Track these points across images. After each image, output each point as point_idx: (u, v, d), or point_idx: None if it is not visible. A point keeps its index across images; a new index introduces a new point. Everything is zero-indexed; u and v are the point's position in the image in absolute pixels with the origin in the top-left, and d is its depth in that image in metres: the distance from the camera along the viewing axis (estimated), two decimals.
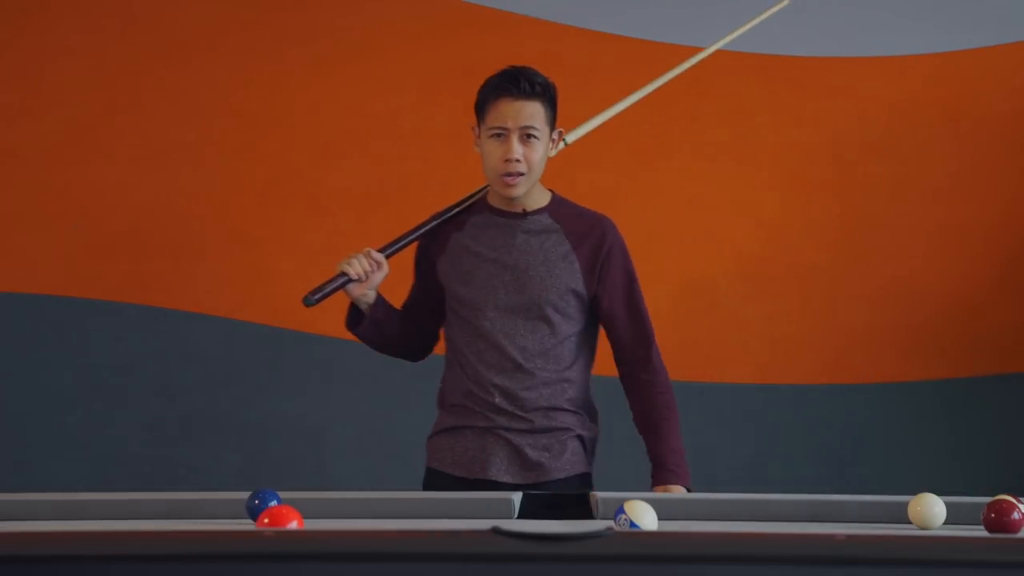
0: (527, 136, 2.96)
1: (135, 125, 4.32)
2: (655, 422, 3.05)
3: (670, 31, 4.38)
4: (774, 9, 3.59)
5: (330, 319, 4.30)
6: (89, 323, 4.25)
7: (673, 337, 4.32)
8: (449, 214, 3.06)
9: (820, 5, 4.42)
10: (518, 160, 2.94)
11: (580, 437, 3.02)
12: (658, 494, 2.79)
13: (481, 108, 2.99)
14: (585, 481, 3.01)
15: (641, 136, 4.38)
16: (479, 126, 3.00)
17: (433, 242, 3.07)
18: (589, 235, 3.05)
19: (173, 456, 4.22)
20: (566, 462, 2.99)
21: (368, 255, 3.02)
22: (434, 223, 3.06)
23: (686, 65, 3.43)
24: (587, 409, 3.06)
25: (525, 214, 3.04)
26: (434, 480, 3.01)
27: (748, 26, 3.50)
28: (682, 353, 4.35)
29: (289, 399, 4.26)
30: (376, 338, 3.12)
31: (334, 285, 3.03)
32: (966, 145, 4.40)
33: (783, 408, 4.33)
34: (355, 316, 3.11)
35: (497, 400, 2.97)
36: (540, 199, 3.06)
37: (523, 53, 4.33)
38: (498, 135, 2.95)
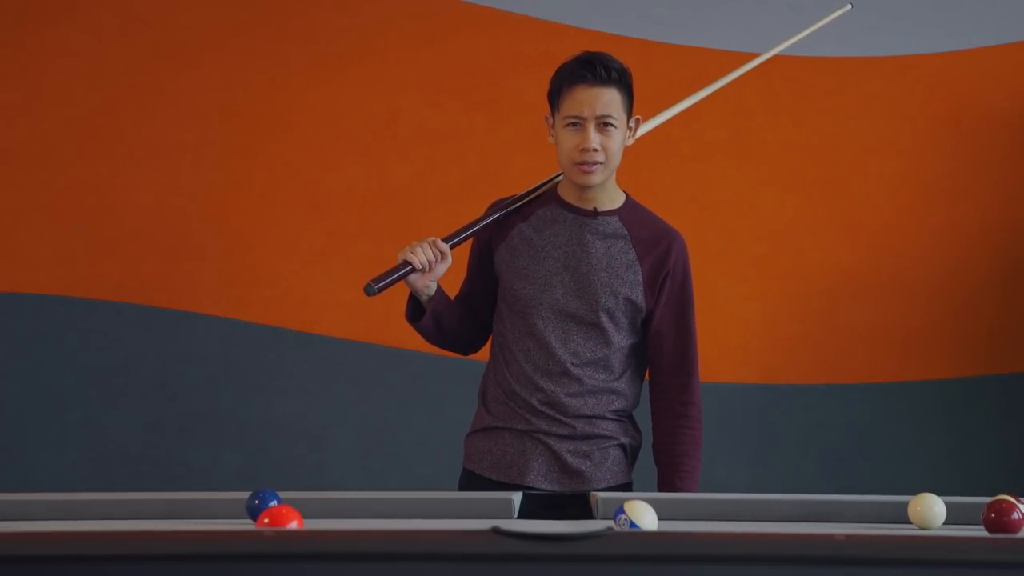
0: (604, 125, 2.87)
1: (135, 125, 4.32)
2: (677, 458, 2.97)
3: (670, 31, 4.38)
4: (836, 14, 3.52)
5: (330, 319, 4.31)
6: (89, 323, 4.25)
7: None
8: (517, 204, 2.95)
9: (820, 5, 4.41)
10: (595, 149, 2.85)
11: (622, 446, 2.95)
12: (658, 494, 2.78)
13: (555, 96, 2.89)
14: (625, 491, 2.91)
15: (641, 136, 4.37)
16: (553, 115, 2.90)
17: (495, 230, 2.96)
18: (656, 247, 2.96)
19: (173, 456, 4.22)
20: (607, 471, 2.92)
21: (434, 244, 2.85)
22: (500, 214, 2.94)
23: (751, 65, 3.36)
24: (631, 419, 2.98)
25: (596, 214, 2.95)
26: (472, 483, 2.92)
27: (808, 31, 3.45)
28: None
29: (289, 399, 4.26)
30: (434, 331, 2.97)
31: (398, 274, 2.84)
32: (966, 145, 4.40)
33: (783, 408, 4.33)
34: (415, 308, 2.95)
35: (536, 403, 2.89)
36: (614, 199, 2.97)
37: (523, 53, 4.35)
38: (574, 124, 2.86)
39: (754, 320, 4.38)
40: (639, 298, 2.93)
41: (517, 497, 2.34)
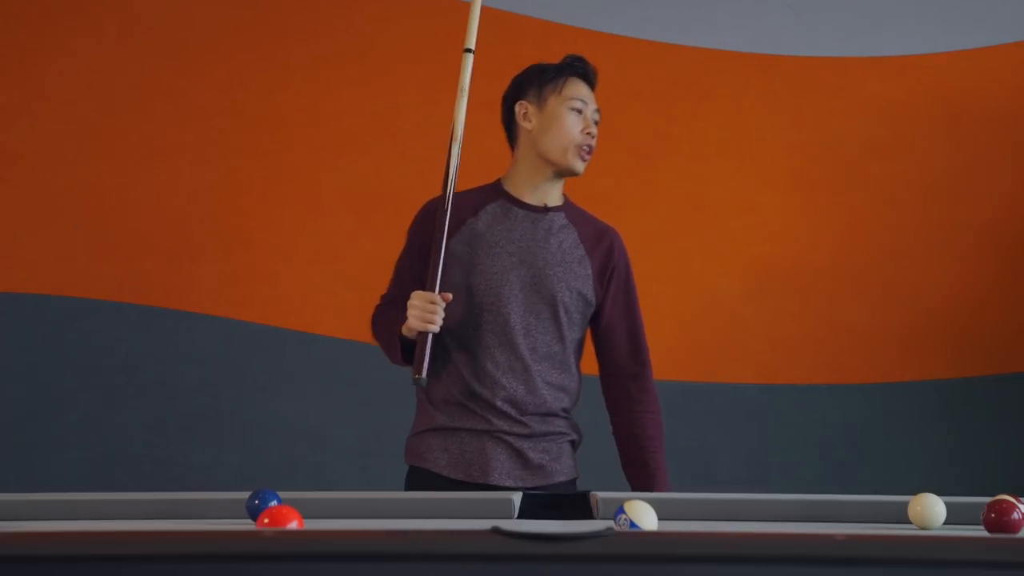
0: (595, 122, 2.99)
1: (135, 125, 4.32)
2: (646, 442, 2.98)
3: (670, 31, 4.38)
4: None
5: (330, 319, 4.31)
6: (89, 323, 4.25)
7: (673, 337, 4.32)
8: (447, 205, 2.88)
9: (820, 5, 4.42)
10: (594, 136, 2.96)
11: (572, 442, 2.99)
12: (658, 494, 2.78)
13: (553, 80, 2.97)
14: (573, 487, 2.95)
15: (641, 136, 4.38)
16: (541, 98, 2.96)
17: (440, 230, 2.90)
18: (601, 242, 3.01)
19: (173, 456, 4.22)
20: (564, 465, 2.95)
21: (434, 302, 2.79)
22: (444, 232, 2.86)
23: None
24: (572, 416, 3.01)
25: (547, 209, 2.98)
26: (425, 481, 2.88)
27: None
28: (682, 353, 4.35)
29: (289, 399, 4.26)
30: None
31: (428, 347, 2.79)
32: (966, 145, 4.40)
33: (783, 408, 4.33)
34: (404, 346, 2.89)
35: (499, 403, 2.88)
36: (559, 197, 3.02)
37: (523, 53, 4.34)
38: (577, 110, 2.94)
39: (754, 320, 4.38)
40: (589, 292, 2.96)
41: (517, 497, 2.34)
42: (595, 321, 3.00)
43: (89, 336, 4.25)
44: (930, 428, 4.33)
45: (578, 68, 2.98)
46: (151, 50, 4.34)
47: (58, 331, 4.25)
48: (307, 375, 4.29)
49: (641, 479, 2.96)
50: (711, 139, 4.40)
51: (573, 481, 2.97)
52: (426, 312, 2.76)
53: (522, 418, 2.90)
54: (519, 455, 2.90)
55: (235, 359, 4.26)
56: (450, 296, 2.81)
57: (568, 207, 3.03)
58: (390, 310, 2.95)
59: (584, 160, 2.95)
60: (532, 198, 2.98)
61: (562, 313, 2.92)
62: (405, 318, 2.82)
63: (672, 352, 4.33)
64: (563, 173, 2.97)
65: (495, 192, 2.99)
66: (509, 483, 2.87)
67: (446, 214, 2.86)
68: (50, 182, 4.30)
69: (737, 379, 4.37)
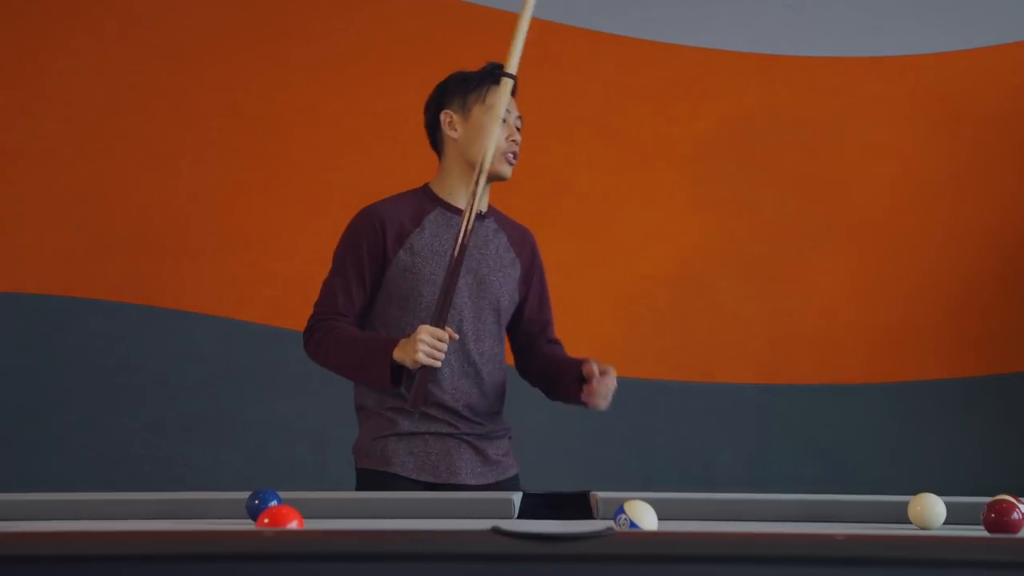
0: (517, 128, 3.04)
1: (135, 125, 4.32)
2: (563, 357, 3.10)
3: (670, 31, 4.38)
4: None
5: None
6: (89, 323, 4.25)
7: (673, 337, 4.32)
8: (463, 235, 2.87)
9: (820, 5, 4.42)
10: (518, 142, 3.01)
11: (510, 437, 3.10)
12: (658, 494, 2.77)
13: (475, 89, 3.02)
14: (519, 480, 3.07)
15: (641, 136, 4.38)
16: (465, 108, 3.01)
17: (390, 239, 2.97)
18: (524, 245, 3.12)
19: (173, 456, 4.22)
20: (512, 459, 3.07)
21: (443, 339, 2.82)
22: (456, 270, 2.85)
23: None
24: None
25: (482, 216, 3.04)
26: (388, 485, 2.90)
27: None
28: (682, 353, 4.35)
29: (289, 399, 4.26)
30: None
31: (429, 380, 2.86)
32: (966, 145, 4.40)
33: (783, 408, 4.33)
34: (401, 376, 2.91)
35: (461, 408, 2.96)
36: (487, 202, 3.08)
37: (523, 53, 4.34)
38: (502, 120, 2.97)
39: (754, 320, 4.38)
40: (516, 294, 3.08)
41: (517, 497, 2.34)
42: (515, 317, 3.12)
43: (89, 336, 4.25)
44: (930, 428, 4.33)
45: (499, 75, 2.99)
46: (151, 50, 4.34)
47: (58, 331, 4.25)
48: (307, 375, 4.28)
49: (557, 369, 3.05)
50: (711, 139, 4.39)
51: (517, 475, 3.07)
52: (435, 348, 2.80)
53: (477, 419, 2.99)
54: (480, 453, 2.99)
55: (235, 359, 4.26)
56: (456, 335, 2.87)
57: (493, 211, 3.10)
58: (347, 328, 2.94)
59: (511, 164, 3.00)
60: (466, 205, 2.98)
61: (502, 316, 3.05)
62: (385, 338, 2.88)
63: (672, 352, 4.33)
64: (492, 179, 3.00)
65: (430, 200, 3.04)
66: (474, 481, 2.96)
67: (464, 249, 2.85)
68: (50, 182, 4.29)
69: (737, 379, 4.37)
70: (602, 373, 2.91)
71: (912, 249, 4.39)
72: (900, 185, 4.41)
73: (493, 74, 3.01)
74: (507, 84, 2.93)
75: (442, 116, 3.04)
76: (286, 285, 4.30)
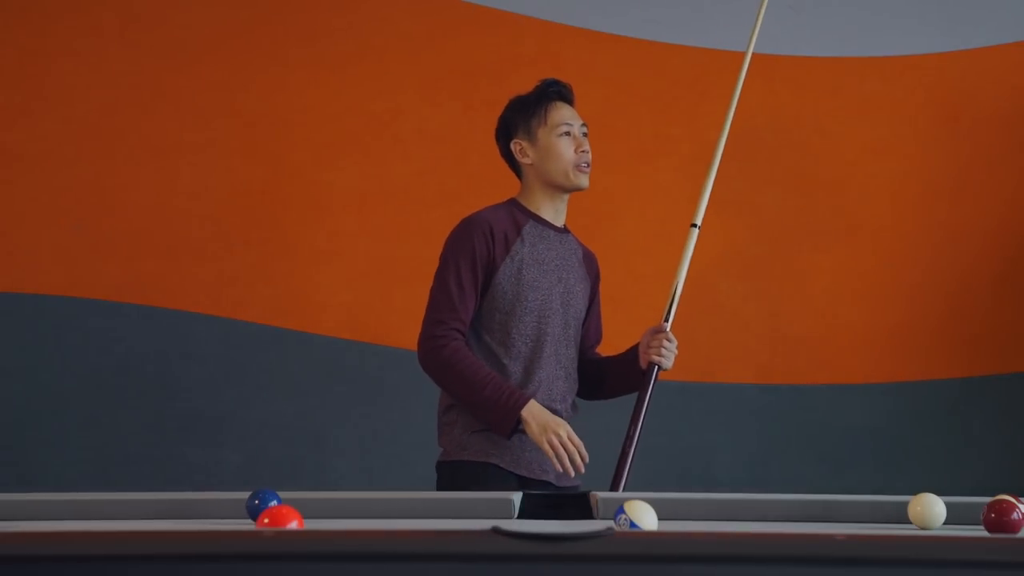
0: (584, 135, 3.17)
1: (135, 125, 4.32)
2: (609, 356, 3.28)
3: (670, 31, 4.38)
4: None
5: (330, 319, 4.31)
6: (89, 323, 4.25)
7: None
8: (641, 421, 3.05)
9: (820, 5, 4.42)
10: (588, 151, 3.14)
11: None
12: (658, 494, 2.77)
13: (535, 113, 3.14)
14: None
15: (641, 136, 4.38)
16: (531, 134, 3.13)
17: (498, 247, 3.08)
18: (591, 265, 3.27)
19: (173, 456, 4.22)
20: None
21: (573, 442, 2.99)
22: (640, 426, 3.05)
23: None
24: None
25: (567, 230, 3.20)
26: (492, 476, 2.99)
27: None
28: (682, 353, 4.34)
29: (289, 399, 4.26)
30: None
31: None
32: (966, 145, 4.40)
33: (783, 408, 4.33)
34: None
35: (560, 409, 3.07)
36: (565, 212, 3.23)
37: (523, 53, 4.35)
38: (566, 133, 3.12)
39: (754, 320, 4.38)
40: (585, 309, 3.23)
41: (517, 497, 2.34)
42: None
43: (89, 336, 4.25)
44: (930, 428, 4.33)
45: (553, 92, 3.17)
46: (151, 50, 4.34)
47: (58, 331, 4.25)
48: (307, 375, 4.29)
49: (615, 365, 3.22)
50: (711, 139, 4.39)
51: (580, 483, 3.12)
52: (561, 447, 2.95)
53: (566, 420, 3.08)
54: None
55: (235, 359, 4.26)
56: (583, 467, 3.01)
57: (568, 229, 3.25)
58: (474, 359, 3.02)
59: (586, 173, 3.14)
60: (554, 219, 3.18)
61: (580, 326, 3.19)
62: (513, 390, 2.98)
63: None
64: (572, 191, 3.16)
65: (522, 212, 3.15)
66: (557, 482, 3.05)
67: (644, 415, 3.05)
68: (50, 182, 4.29)
69: (737, 379, 4.37)
70: (659, 330, 3.12)
71: (912, 249, 4.39)
72: (900, 185, 4.41)
73: (548, 93, 3.16)
74: (694, 234, 3.27)
75: (512, 146, 3.16)
76: (286, 285, 4.30)
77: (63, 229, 4.29)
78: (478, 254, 3.06)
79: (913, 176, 4.40)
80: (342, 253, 4.32)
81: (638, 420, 3.03)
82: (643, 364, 3.13)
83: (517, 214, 3.13)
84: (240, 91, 4.34)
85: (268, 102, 4.34)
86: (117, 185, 4.30)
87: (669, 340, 3.12)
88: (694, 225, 3.33)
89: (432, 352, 3.02)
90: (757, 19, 3.33)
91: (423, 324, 3.06)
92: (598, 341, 3.33)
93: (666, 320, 3.16)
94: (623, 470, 2.99)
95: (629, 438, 3.01)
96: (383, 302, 4.29)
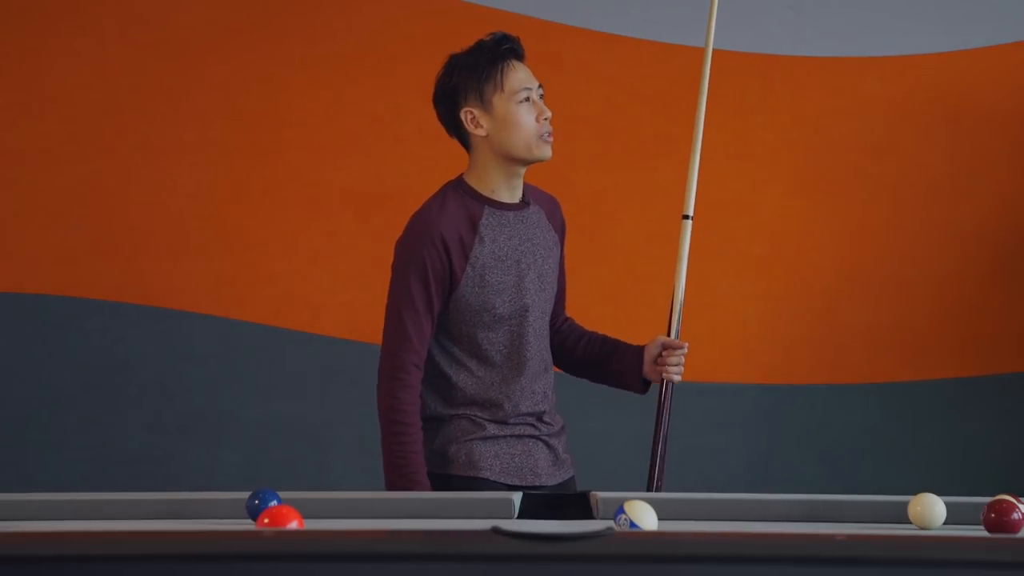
0: (541, 96, 2.86)
1: (135, 125, 4.32)
2: (602, 337, 3.02)
3: (670, 31, 4.38)
4: None
5: (330, 319, 4.31)
6: (89, 323, 4.25)
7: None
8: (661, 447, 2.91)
9: (820, 5, 4.42)
10: (549, 117, 2.84)
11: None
12: (658, 494, 2.77)
13: (488, 76, 2.81)
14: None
15: (641, 136, 4.38)
16: (484, 101, 2.83)
17: (455, 257, 2.81)
18: (555, 216, 2.97)
19: (173, 456, 4.22)
20: (570, 456, 2.98)
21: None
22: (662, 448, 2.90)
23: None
24: None
25: (527, 203, 2.90)
26: (484, 488, 2.80)
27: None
28: None
29: (289, 399, 4.26)
30: None
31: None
32: (966, 145, 4.40)
33: (783, 408, 4.33)
34: None
35: (541, 409, 2.89)
36: (521, 184, 2.92)
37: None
38: (525, 99, 2.82)
39: (754, 320, 4.38)
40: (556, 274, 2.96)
41: (517, 497, 2.34)
42: None
43: (89, 336, 4.25)
44: (930, 428, 4.32)
45: (507, 51, 2.83)
46: (151, 50, 4.33)
47: (58, 331, 4.25)
48: (307, 375, 4.29)
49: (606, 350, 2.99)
50: (711, 139, 4.38)
51: (574, 476, 2.99)
52: None
53: (551, 419, 2.93)
54: (553, 451, 2.91)
55: (235, 359, 4.26)
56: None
57: (527, 189, 2.93)
58: (417, 440, 2.80)
59: (549, 144, 2.84)
60: (511, 196, 2.88)
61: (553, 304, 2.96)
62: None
63: None
64: (532, 163, 2.87)
65: (474, 199, 2.86)
66: (549, 481, 2.88)
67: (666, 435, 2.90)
68: (50, 182, 4.29)
69: (738, 379, 4.37)
70: (672, 346, 2.92)
71: (912, 249, 4.38)
72: (900, 185, 4.40)
73: (501, 52, 2.83)
74: (687, 225, 2.96)
75: (463, 116, 2.85)
76: (286, 285, 4.30)
77: (63, 229, 4.29)
78: (431, 271, 2.80)
79: (913, 176, 4.40)
80: (342, 253, 4.31)
81: (659, 442, 2.88)
82: (651, 378, 2.93)
83: (470, 203, 2.83)
84: (240, 91, 4.34)
85: (268, 102, 4.34)
86: (117, 185, 4.30)
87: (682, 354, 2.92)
88: (686, 216, 3.05)
89: (387, 398, 2.84)
90: (711, 16, 3.08)
91: (381, 356, 2.86)
92: (564, 304, 3.04)
93: (672, 332, 2.97)
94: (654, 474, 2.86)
95: (655, 453, 2.89)
96: (383, 302, 4.28)
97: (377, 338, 4.35)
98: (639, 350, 2.98)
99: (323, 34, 4.36)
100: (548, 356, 2.93)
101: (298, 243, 4.31)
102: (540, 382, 2.89)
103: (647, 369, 2.95)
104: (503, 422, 2.86)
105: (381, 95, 4.35)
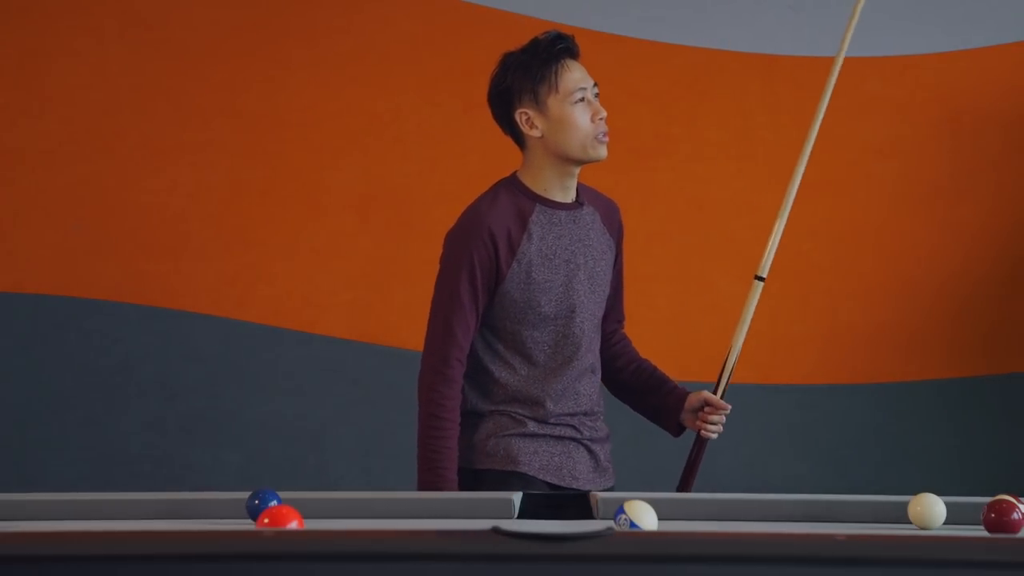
0: (597, 95, 2.85)
1: (135, 125, 4.32)
2: (651, 369, 3.02)
3: (670, 31, 4.38)
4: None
5: (330, 319, 4.31)
6: (89, 323, 4.25)
7: (673, 337, 4.32)
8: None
9: (820, 5, 4.41)
10: (604, 116, 2.84)
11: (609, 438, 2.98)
12: (658, 494, 2.77)
13: (543, 77, 2.79)
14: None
15: (641, 136, 4.38)
16: (540, 103, 2.80)
17: (503, 252, 2.79)
18: (613, 220, 2.95)
19: (173, 456, 4.22)
20: (612, 466, 2.95)
21: None
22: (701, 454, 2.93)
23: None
24: None
25: (581, 204, 2.88)
26: (520, 485, 2.73)
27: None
28: (682, 353, 4.35)
29: (289, 399, 4.26)
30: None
31: None
32: (966, 145, 4.40)
33: (783, 408, 4.33)
34: None
35: (582, 412, 2.85)
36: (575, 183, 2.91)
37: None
38: (580, 99, 2.81)
39: (754, 320, 4.37)
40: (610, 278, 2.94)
41: (517, 497, 2.34)
42: None
43: (89, 336, 4.25)
44: (930, 428, 4.32)
45: (562, 51, 2.81)
46: (151, 50, 4.34)
47: (58, 331, 4.25)
48: (307, 375, 4.28)
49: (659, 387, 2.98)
50: (711, 139, 4.39)
51: (614, 487, 2.95)
52: None
53: (594, 422, 2.90)
54: (594, 457, 2.88)
55: (235, 359, 4.26)
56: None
57: (582, 190, 2.92)
58: (453, 436, 2.79)
59: (604, 144, 2.83)
60: (564, 196, 2.86)
61: (603, 307, 2.92)
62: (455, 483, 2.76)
63: (672, 352, 4.32)
64: (587, 163, 2.86)
65: (526, 196, 2.84)
66: (588, 487, 2.82)
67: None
68: (50, 182, 4.29)
69: (737, 379, 4.36)
70: (718, 407, 2.93)
71: (912, 249, 4.38)
72: (900, 185, 4.40)
73: (555, 52, 2.80)
74: (758, 287, 2.98)
75: (518, 116, 2.81)
76: (286, 285, 4.30)
77: (63, 229, 4.29)
78: (479, 265, 2.77)
79: (913, 176, 4.40)
80: (342, 253, 4.31)
81: (689, 486, 2.91)
82: (687, 425, 2.94)
83: (522, 200, 2.81)
84: (240, 91, 4.34)
85: (268, 102, 4.34)
86: (117, 185, 4.30)
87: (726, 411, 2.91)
88: (759, 278, 3.05)
89: (429, 392, 2.81)
90: (852, 20, 3.03)
91: (424, 352, 2.84)
92: (622, 318, 3.02)
93: (720, 391, 2.95)
94: None
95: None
96: (383, 302, 4.29)
97: (377, 338, 4.36)
98: (683, 395, 2.97)
99: (323, 34, 4.36)
100: (596, 360, 2.90)
101: (298, 243, 4.31)
102: (584, 383, 2.86)
103: (685, 416, 2.95)
104: (544, 421, 2.83)
105: (381, 95, 4.35)
